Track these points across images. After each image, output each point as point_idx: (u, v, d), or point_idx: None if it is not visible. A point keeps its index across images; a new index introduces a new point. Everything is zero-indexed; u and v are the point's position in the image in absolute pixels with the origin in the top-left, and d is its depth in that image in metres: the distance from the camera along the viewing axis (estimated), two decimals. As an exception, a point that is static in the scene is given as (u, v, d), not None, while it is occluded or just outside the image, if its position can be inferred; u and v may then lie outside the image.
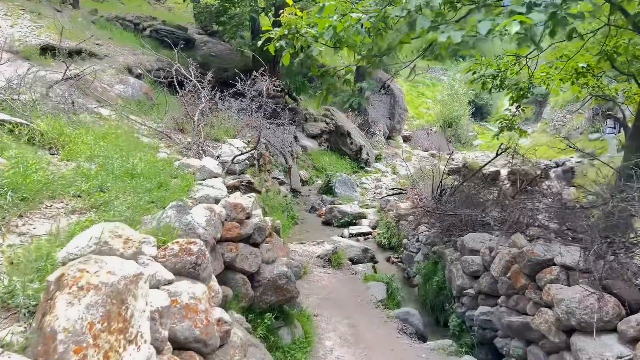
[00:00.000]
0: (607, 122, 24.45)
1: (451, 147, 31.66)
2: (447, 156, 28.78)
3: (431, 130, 34.37)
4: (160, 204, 5.20)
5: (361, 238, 12.61)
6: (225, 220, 5.43)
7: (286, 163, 15.13)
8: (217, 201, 5.73)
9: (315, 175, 21.26)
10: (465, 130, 34.49)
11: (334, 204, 16.52)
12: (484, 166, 12.25)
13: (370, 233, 12.88)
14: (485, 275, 6.74)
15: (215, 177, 6.94)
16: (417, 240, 9.79)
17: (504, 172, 25.73)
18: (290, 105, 20.55)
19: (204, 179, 6.83)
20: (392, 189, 14.28)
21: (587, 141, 28.85)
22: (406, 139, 31.74)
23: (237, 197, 6.17)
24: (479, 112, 39.30)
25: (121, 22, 20.13)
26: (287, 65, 7.02)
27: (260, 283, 5.70)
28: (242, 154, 9.58)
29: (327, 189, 18.46)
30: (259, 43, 6.96)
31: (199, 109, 10.38)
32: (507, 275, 6.25)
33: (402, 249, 10.83)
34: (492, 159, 11.12)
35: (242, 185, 8.39)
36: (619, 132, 24.29)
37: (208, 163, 7.18)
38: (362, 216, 14.08)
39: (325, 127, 23.84)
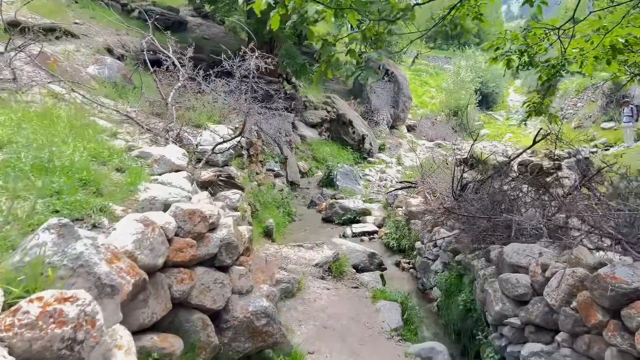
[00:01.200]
0: (624, 110, 22.48)
1: (458, 136, 29.87)
2: (455, 146, 27.01)
3: (436, 119, 32.49)
4: (72, 212, 3.41)
5: (366, 238, 10.83)
6: (176, 235, 3.64)
7: (282, 153, 13.31)
8: (167, 206, 3.93)
9: (316, 167, 19.46)
10: (472, 119, 32.55)
11: (335, 199, 14.71)
12: (518, 155, 10.39)
13: (376, 232, 11.10)
14: (536, 301, 4.95)
15: (177, 170, 5.14)
16: (435, 246, 7.98)
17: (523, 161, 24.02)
18: (288, 92, 18.70)
19: (162, 173, 5.03)
20: (401, 182, 12.47)
21: (600, 130, 26.96)
22: (410, 129, 29.86)
23: (202, 200, 4.36)
24: (485, 101, 37.31)
25: (107, 1, 18.25)
26: (276, 30, 5.25)
27: (230, 324, 3.89)
28: (224, 141, 7.77)
29: (328, 182, 16.66)
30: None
31: (174, 88, 8.56)
32: (571, 306, 4.46)
33: (414, 252, 9.04)
34: (529, 148, 9.24)
35: (221, 180, 6.58)
36: (637, 120, 22.40)
37: (169, 152, 5.35)
38: (367, 212, 12.28)
39: (326, 116, 21.99)
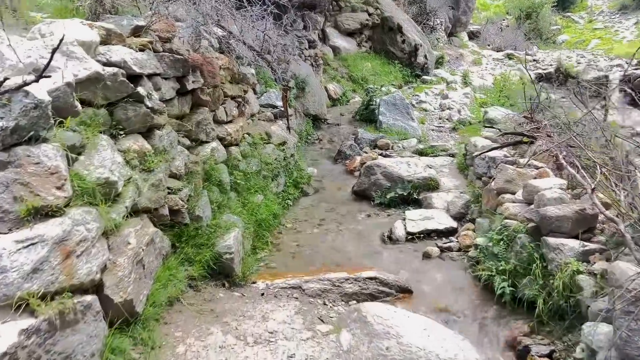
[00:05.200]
0: None
1: (531, 44, 22.59)
2: (528, 57, 19.99)
3: (502, 22, 25.01)
4: None
5: (434, 249, 5.19)
6: None
7: (278, 81, 7.33)
8: None
9: (352, 90, 13.45)
10: (547, 23, 24.83)
11: (378, 146, 8.93)
12: None
13: (452, 233, 5.43)
14: None
15: None
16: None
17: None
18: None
19: None
20: (503, 132, 6.30)
21: None
22: (472, 36, 22.70)
23: None
24: (560, 1, 28.80)
25: None
26: None
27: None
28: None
29: (367, 115, 10.77)
30: None
31: None
32: None
33: (569, 332, 3.48)
34: None
35: None
36: None
37: None
38: (432, 184, 6.49)
39: (367, 20, 15.45)
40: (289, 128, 7.33)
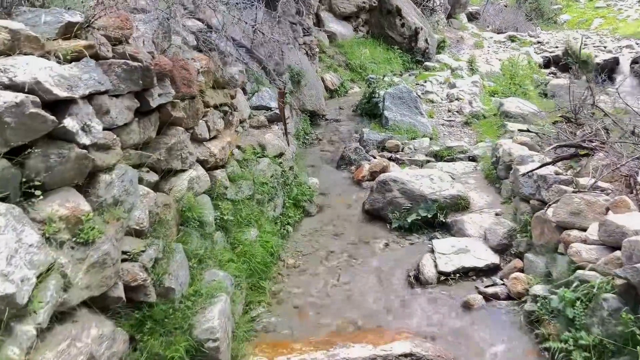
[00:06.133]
0: None
1: (533, 25, 21.31)
2: (532, 38, 18.71)
3: (502, 3, 23.65)
4: None
5: (476, 295, 4.07)
6: None
7: (272, 82, 6.03)
8: None
9: (350, 79, 12.19)
10: (548, 2, 23.49)
11: (385, 149, 7.76)
12: None
13: (494, 271, 4.28)
14: None
15: None
16: None
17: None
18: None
19: None
20: (556, 145, 5.03)
21: None
22: (471, 17, 21.35)
23: None
24: (559, -22, 27.39)
25: None
26: None
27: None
28: None
29: (369, 109, 9.54)
30: None
31: None
32: None
33: None
34: None
35: None
36: None
37: None
38: (460, 202, 5.32)
39: (364, 2, 14.11)
40: (286, 136, 6.08)
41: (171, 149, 3.47)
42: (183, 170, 3.65)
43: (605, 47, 16.56)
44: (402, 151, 7.63)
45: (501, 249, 4.50)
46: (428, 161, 7.15)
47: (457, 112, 10.07)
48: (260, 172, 5.06)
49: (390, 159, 7.42)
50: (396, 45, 14.15)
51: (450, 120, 9.72)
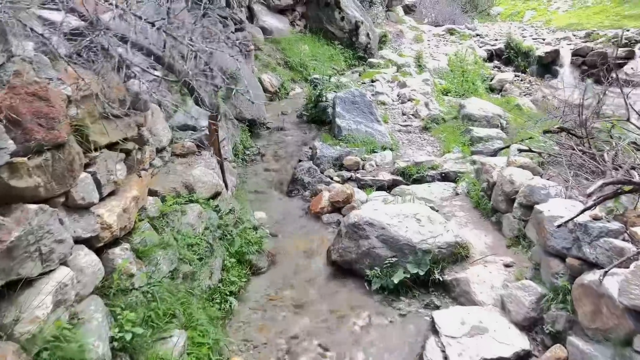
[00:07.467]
0: None
1: (470, 18, 20.73)
2: (470, 32, 18.02)
3: (436, -5, 22.94)
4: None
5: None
6: None
7: (201, 103, 4.42)
8: None
9: (290, 79, 10.69)
10: (481, -5, 23.10)
11: (343, 166, 6.37)
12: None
13: (525, 359, 3.07)
14: None
15: None
16: None
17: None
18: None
19: None
20: (602, 184, 3.73)
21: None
22: (408, 10, 20.41)
23: None
24: (487, -29, 27.17)
25: None
26: None
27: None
28: None
29: (317, 115, 8.14)
30: None
31: None
32: None
33: None
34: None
35: None
36: None
37: None
38: (460, 254, 4.00)
39: (300, -6, 12.68)
40: (222, 169, 4.52)
41: (12, 249, 1.87)
42: (39, 277, 2.05)
43: (544, 40, 16.14)
44: (363, 169, 6.28)
45: (528, 325, 3.26)
46: (395, 182, 5.85)
47: (412, 115, 8.88)
48: (187, 227, 3.50)
49: (350, 179, 6.07)
50: (337, 40, 12.83)
51: (406, 126, 8.52)
